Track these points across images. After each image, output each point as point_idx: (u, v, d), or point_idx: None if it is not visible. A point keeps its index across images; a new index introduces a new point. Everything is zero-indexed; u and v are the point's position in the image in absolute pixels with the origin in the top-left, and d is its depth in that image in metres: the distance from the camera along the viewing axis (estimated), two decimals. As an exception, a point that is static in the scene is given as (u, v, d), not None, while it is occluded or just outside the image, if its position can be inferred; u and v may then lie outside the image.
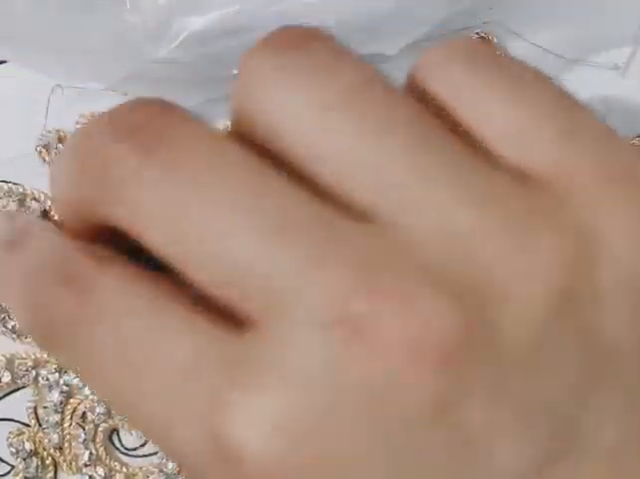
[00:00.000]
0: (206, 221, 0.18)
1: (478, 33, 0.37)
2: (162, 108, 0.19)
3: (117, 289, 0.19)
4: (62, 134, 0.38)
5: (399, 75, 0.37)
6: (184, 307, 0.18)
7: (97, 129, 0.19)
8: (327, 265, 0.17)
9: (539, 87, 0.20)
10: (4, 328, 0.39)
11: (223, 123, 0.38)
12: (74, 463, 0.40)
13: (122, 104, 0.19)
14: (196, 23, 0.33)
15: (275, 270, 0.17)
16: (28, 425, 0.40)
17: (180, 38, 0.33)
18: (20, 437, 0.40)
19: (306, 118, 0.19)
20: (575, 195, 0.18)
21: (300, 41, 0.19)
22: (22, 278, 0.20)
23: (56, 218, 0.38)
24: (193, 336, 0.18)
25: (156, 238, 0.18)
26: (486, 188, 0.18)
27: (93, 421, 0.40)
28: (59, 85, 0.38)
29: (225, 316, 0.18)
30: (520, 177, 0.18)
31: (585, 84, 0.37)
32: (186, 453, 0.18)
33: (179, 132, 0.19)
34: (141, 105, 0.19)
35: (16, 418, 0.40)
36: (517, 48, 0.37)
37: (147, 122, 0.19)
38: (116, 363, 0.18)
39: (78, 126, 0.38)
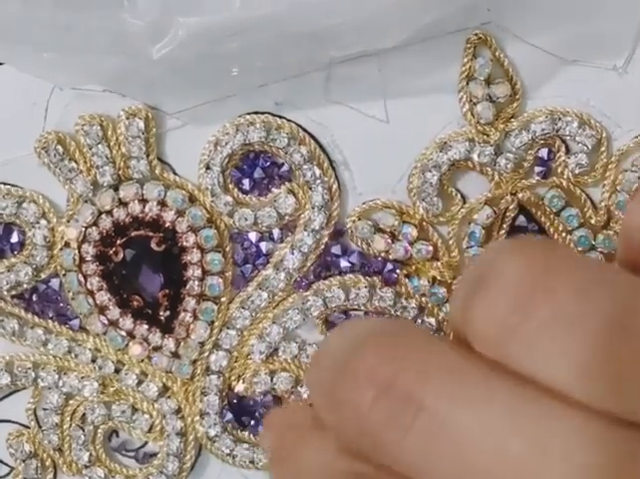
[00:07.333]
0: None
1: (476, 34, 0.37)
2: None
3: None
4: (61, 135, 0.38)
5: (389, 73, 0.37)
6: None
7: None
8: None
9: None
10: (3, 330, 0.39)
11: (223, 124, 0.38)
12: (73, 465, 0.40)
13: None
14: (195, 23, 0.33)
15: None
16: (27, 427, 0.40)
17: (179, 38, 0.33)
18: (19, 439, 0.40)
19: None
20: None
21: None
22: None
23: (55, 219, 0.38)
24: None
25: None
26: None
27: (92, 422, 0.40)
28: (58, 86, 0.38)
29: None
30: None
31: (585, 84, 0.37)
32: None
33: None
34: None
35: (15, 420, 0.40)
36: (516, 49, 0.37)
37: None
38: None
39: (77, 127, 0.38)
